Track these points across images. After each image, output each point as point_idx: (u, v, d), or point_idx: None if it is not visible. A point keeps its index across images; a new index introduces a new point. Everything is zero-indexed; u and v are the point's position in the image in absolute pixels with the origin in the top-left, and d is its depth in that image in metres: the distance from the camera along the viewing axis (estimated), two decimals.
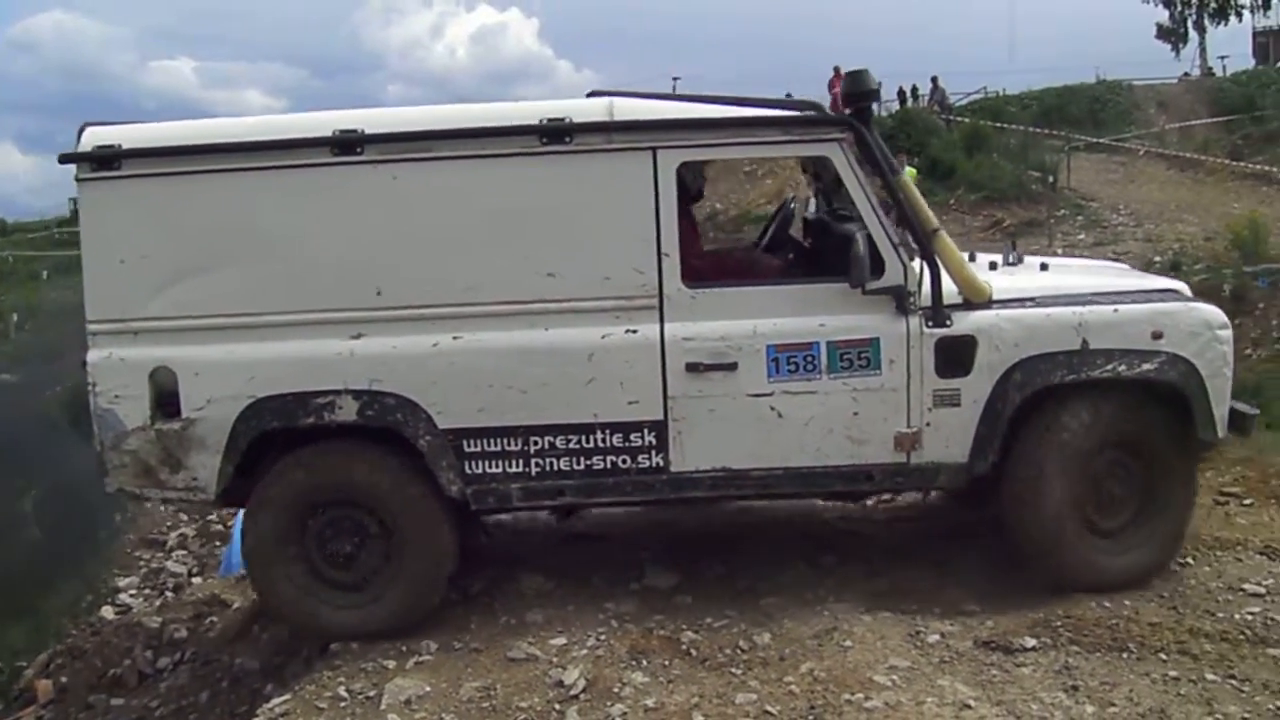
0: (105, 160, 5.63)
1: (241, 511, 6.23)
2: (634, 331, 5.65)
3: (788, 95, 28.69)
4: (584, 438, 5.69)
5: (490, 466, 5.72)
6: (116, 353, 5.66)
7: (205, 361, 5.64)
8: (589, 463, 5.71)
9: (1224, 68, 49.53)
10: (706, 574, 6.08)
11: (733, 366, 5.64)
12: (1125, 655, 4.96)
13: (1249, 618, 5.36)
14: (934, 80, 36.28)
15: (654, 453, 5.71)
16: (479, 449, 5.70)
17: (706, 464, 5.73)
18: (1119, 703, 4.55)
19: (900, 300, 5.66)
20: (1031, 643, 5.03)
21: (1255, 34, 61.14)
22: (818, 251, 6.75)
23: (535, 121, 5.65)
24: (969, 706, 4.53)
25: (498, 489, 5.73)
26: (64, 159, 5.69)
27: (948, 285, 5.66)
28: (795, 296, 5.79)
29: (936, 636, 5.16)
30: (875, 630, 5.24)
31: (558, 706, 4.79)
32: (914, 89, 38.88)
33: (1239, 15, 54.29)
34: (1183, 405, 5.75)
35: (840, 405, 5.69)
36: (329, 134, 5.64)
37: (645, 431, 5.70)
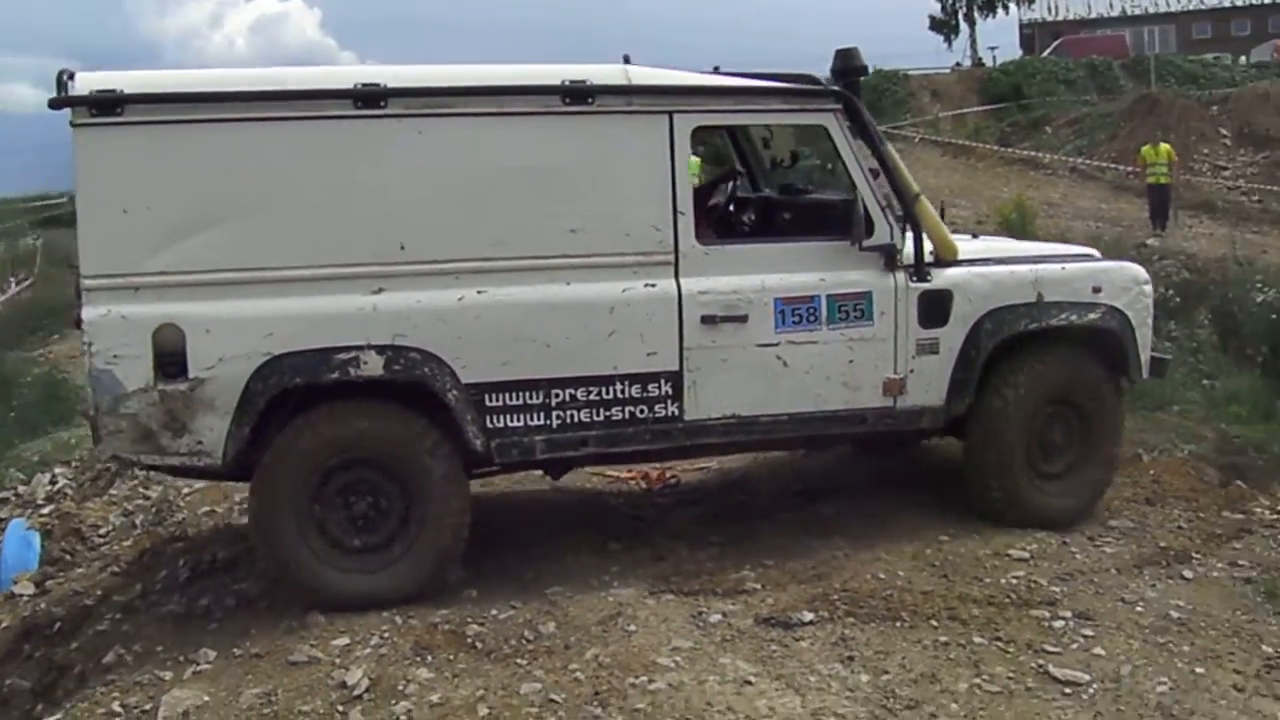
0: (107, 105, 5.29)
1: (14, 522, 5.90)
2: (653, 286, 5.88)
3: None
4: (604, 389, 5.85)
5: (512, 420, 5.76)
6: (116, 310, 5.30)
7: (217, 318, 5.38)
8: (608, 413, 5.87)
9: (994, 58, 51.64)
10: (492, 566, 6.02)
11: (744, 319, 5.98)
12: (899, 624, 5.12)
13: (1014, 582, 5.63)
14: (715, 71, 36.74)
15: (670, 402, 5.94)
16: (501, 403, 5.74)
17: (718, 412, 6.03)
18: (893, 670, 4.71)
19: (889, 257, 6.20)
20: (810, 617, 5.15)
21: (1022, 26, 64.04)
22: (784, 214, 7.20)
23: (558, 83, 5.80)
24: (749, 682, 4.61)
25: (521, 442, 5.78)
26: (59, 102, 5.31)
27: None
28: (798, 253, 6.22)
29: (718, 616, 5.23)
30: (659, 613, 5.29)
31: (340, 708, 4.67)
32: None
33: (1006, 8, 56.66)
34: (1117, 352, 6.64)
35: (838, 354, 6.15)
36: (352, 86, 5.56)
37: (662, 382, 5.92)
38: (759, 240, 6.70)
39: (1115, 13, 74.94)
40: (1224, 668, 4.85)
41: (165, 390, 5.33)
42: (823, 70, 6.41)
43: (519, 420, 5.77)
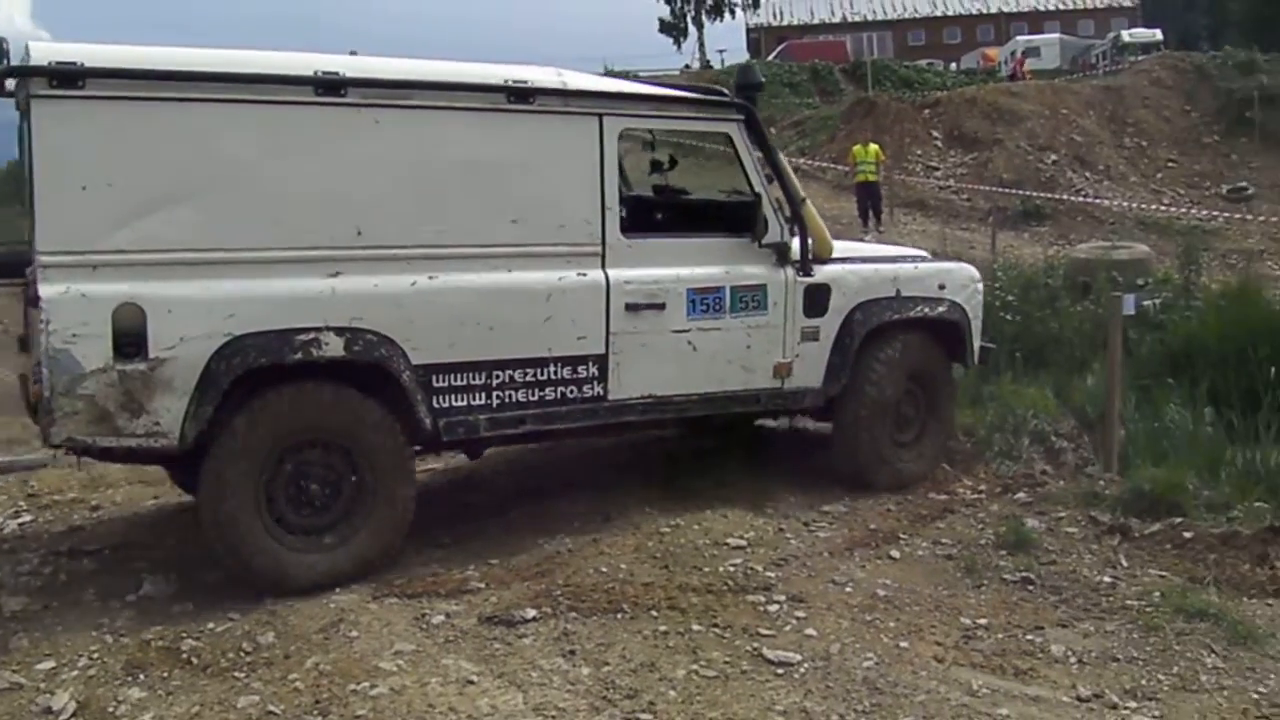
0: (67, 78, 5.16)
1: None
2: (584, 275, 6.34)
3: None
4: (540, 370, 6.25)
5: (456, 400, 6.04)
6: (75, 288, 5.15)
7: (178, 298, 5.34)
8: (543, 394, 6.27)
9: (722, 60, 53.04)
10: (208, 578, 5.83)
11: (661, 306, 6.54)
12: (620, 616, 5.20)
13: (731, 569, 5.78)
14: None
15: (596, 383, 6.41)
16: (446, 384, 5.99)
17: (637, 392, 6.56)
18: (613, 661, 4.77)
19: (781, 254, 6.95)
20: (532, 613, 5.18)
21: (748, 30, 65.89)
22: (689, 212, 7.84)
23: (502, 82, 6.16)
24: (472, 682, 4.60)
25: (466, 420, 6.07)
26: (13, 71, 5.21)
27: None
28: (706, 248, 6.88)
29: (442, 617, 5.21)
30: (382, 618, 5.23)
31: None
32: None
33: (733, 13, 58.22)
34: (957, 340, 7.76)
35: (738, 340, 6.85)
36: (312, 73, 5.67)
37: (590, 364, 6.38)
38: (673, 235, 7.20)
39: (836, 19, 78.08)
40: (926, 640, 5.09)
41: (124, 370, 5.23)
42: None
43: (463, 400, 6.06)
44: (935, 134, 30.05)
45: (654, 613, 5.22)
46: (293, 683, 4.67)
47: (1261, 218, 23.98)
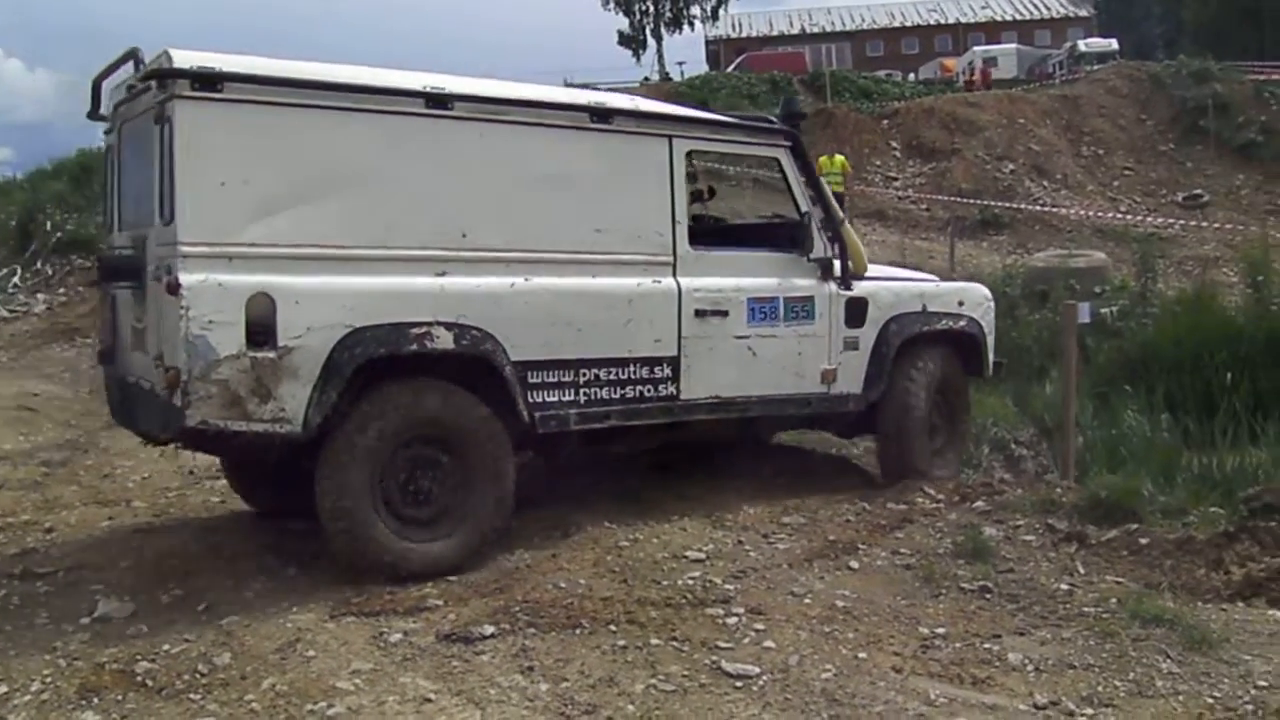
0: (208, 81, 5.58)
1: None
2: (659, 282, 6.91)
3: None
4: (621, 369, 6.76)
5: (549, 396, 6.49)
6: (212, 277, 5.50)
7: (305, 290, 5.71)
8: (624, 391, 6.78)
9: (681, 72, 53.13)
10: (164, 599, 5.78)
11: (725, 313, 7.15)
12: (579, 631, 5.17)
13: (690, 582, 5.78)
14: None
15: (670, 383, 6.96)
16: (540, 380, 6.45)
17: (705, 393, 7.12)
18: (571, 677, 4.73)
19: (826, 269, 7.62)
20: (491, 630, 5.14)
21: (708, 42, 66.13)
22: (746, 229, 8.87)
23: (586, 102, 6.85)
24: (429, 700, 4.56)
25: (558, 414, 6.52)
26: (160, 74, 5.59)
27: None
28: (763, 261, 7.50)
29: (399, 635, 5.16)
30: (339, 637, 5.18)
31: None
32: None
33: (692, 25, 58.32)
34: (974, 353, 8.51)
35: (790, 347, 7.49)
36: (422, 88, 6.18)
37: (664, 365, 6.94)
38: (734, 248, 7.65)
39: (795, 30, 78.51)
40: (884, 650, 5.08)
41: (255, 357, 5.56)
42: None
43: (555, 395, 6.51)
44: (894, 144, 30.25)
45: (613, 627, 5.20)
46: (249, 704, 4.62)
47: (1216, 225, 24.27)
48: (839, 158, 23.26)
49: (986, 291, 8.88)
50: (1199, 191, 27.83)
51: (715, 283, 7.12)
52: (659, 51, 60.85)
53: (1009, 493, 7.57)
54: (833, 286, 7.65)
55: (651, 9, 57.94)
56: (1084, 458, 10.68)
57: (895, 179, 29.81)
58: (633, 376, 6.82)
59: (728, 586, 5.74)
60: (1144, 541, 6.41)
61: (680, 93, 39.86)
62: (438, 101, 6.20)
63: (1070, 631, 5.30)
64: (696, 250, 7.08)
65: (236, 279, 5.55)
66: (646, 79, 50.52)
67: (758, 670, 4.78)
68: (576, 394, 6.59)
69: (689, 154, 7.21)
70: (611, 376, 6.73)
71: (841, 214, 7.77)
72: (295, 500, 6.63)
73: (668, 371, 6.95)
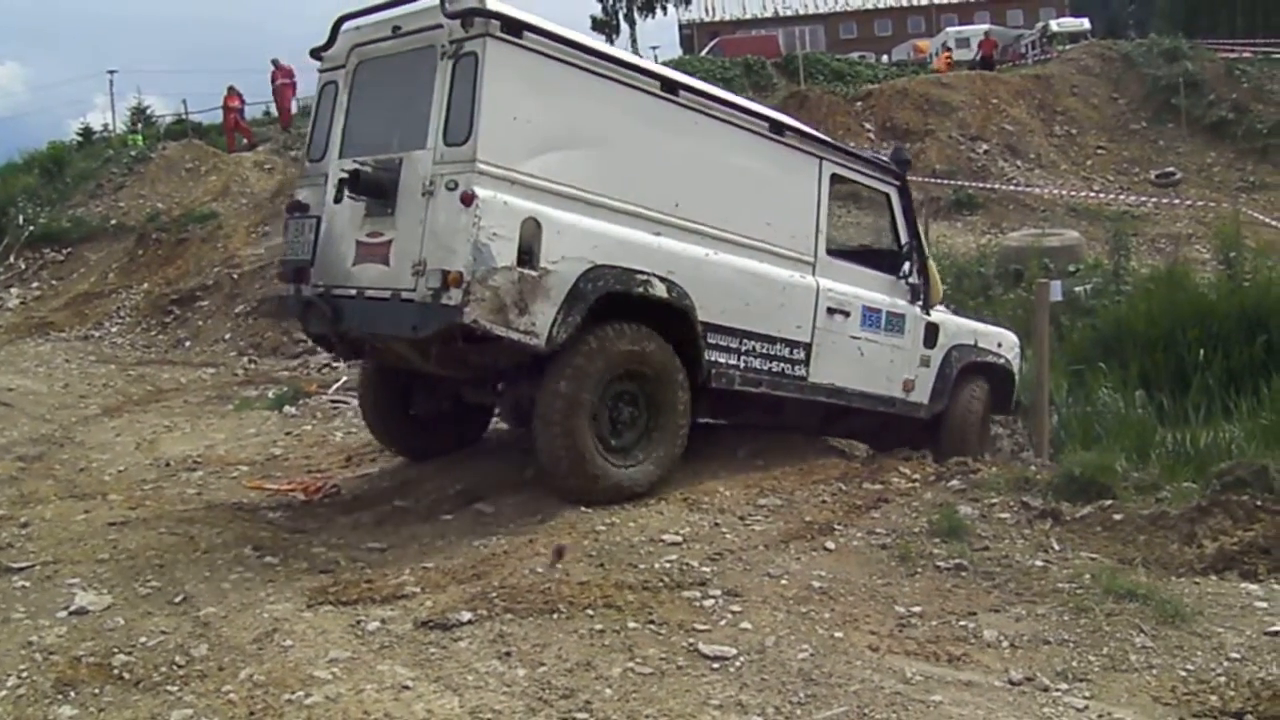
0: (515, 27, 6.47)
1: None
2: (804, 278, 8.15)
3: (230, 86, 27.93)
4: (771, 345, 7.91)
5: (719, 357, 7.54)
6: (500, 195, 6.32)
7: (564, 223, 6.59)
8: (770, 365, 7.92)
9: (655, 57, 52.82)
10: (140, 591, 5.76)
11: (847, 314, 8.46)
12: (556, 616, 5.17)
13: (667, 565, 5.80)
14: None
15: (803, 365, 8.16)
16: (715, 342, 7.49)
17: (826, 379, 8.37)
18: (549, 661, 4.73)
19: (915, 293, 9.10)
20: (468, 616, 5.13)
21: (681, 26, 65.96)
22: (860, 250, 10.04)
23: (767, 114, 8.12)
24: (407, 687, 4.55)
25: (727, 373, 7.60)
26: (474, 12, 6.37)
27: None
28: (872, 278, 8.84)
29: (377, 623, 5.15)
30: (316, 626, 5.17)
31: None
32: None
33: (665, 9, 58.16)
34: (1005, 388, 10.16)
35: (886, 354, 8.85)
36: (658, 73, 7.41)
37: (800, 349, 8.13)
38: (854, 262, 8.85)
39: (768, 14, 78.30)
40: (861, 630, 5.12)
41: (522, 273, 6.38)
42: None
43: (724, 358, 7.57)
44: (868, 126, 30.15)
45: (590, 612, 5.20)
46: (226, 695, 4.60)
47: (1189, 202, 24.32)
48: None
49: (1016, 339, 10.38)
50: (1171, 169, 27.86)
51: (841, 287, 8.39)
52: (632, 36, 60.81)
53: (984, 471, 7.61)
54: (917, 310, 9.09)
55: None
56: (1059, 435, 10.75)
57: None
58: (778, 354, 7.94)
59: (704, 569, 5.76)
60: (1118, 517, 6.44)
61: None
62: (669, 87, 7.28)
63: (1045, 608, 5.34)
64: (829, 257, 8.37)
65: (517, 201, 6.39)
66: None
67: (734, 652, 4.79)
68: (739, 359, 7.66)
69: (832, 175, 8.42)
70: (764, 350, 7.83)
71: (929, 251, 9.20)
72: (429, 443, 8.34)
73: (802, 355, 8.12)
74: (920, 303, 9.10)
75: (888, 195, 9.07)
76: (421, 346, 6.82)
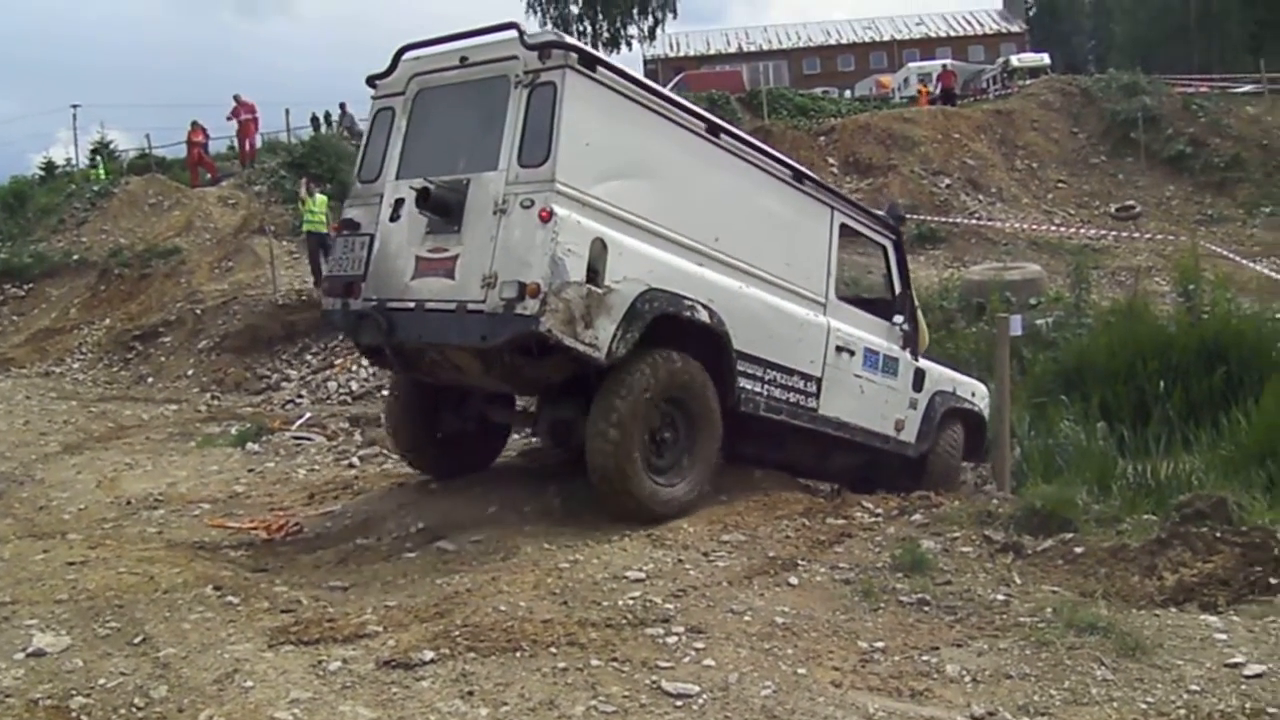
0: (590, 61, 7.02)
1: None
2: (817, 316, 8.74)
3: (194, 121, 27.88)
4: (789, 377, 8.43)
5: (747, 384, 8.04)
6: (573, 215, 6.80)
7: (626, 246, 7.07)
8: (788, 396, 8.45)
9: None
10: (100, 632, 5.68)
11: (852, 353, 9.06)
12: (519, 654, 5.12)
13: (630, 602, 5.77)
14: (342, 106, 36.19)
15: (814, 398, 8.72)
16: (743, 369, 7.97)
17: (833, 412, 8.92)
18: (511, 701, 4.69)
19: (906, 339, 9.74)
20: (430, 655, 5.08)
21: (645, 62, 66.18)
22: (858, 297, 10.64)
23: (789, 163, 8.72)
24: None
25: (753, 399, 8.11)
26: (555, 45, 6.93)
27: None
28: (871, 322, 9.47)
29: (339, 663, 5.09)
30: (278, 666, 5.11)
31: None
32: (326, 115, 38.62)
33: (629, 44, 58.30)
34: (977, 435, 10.74)
35: (882, 394, 9.45)
36: (705, 117, 7.89)
37: (813, 382, 8.69)
38: (856, 307, 9.48)
39: (732, 49, 78.92)
40: (824, 666, 5.10)
41: (590, 288, 6.83)
42: None
43: (750, 385, 8.06)
44: (831, 160, 30.38)
45: (553, 650, 5.16)
46: None
47: (1148, 235, 24.58)
48: (320, 196, 21.81)
49: (986, 390, 10.93)
50: (1131, 203, 28.16)
51: (847, 328, 9.02)
52: None
53: (946, 505, 7.64)
54: (908, 355, 9.73)
55: (589, 29, 57.85)
56: (1020, 468, 10.80)
57: None
58: (794, 385, 8.47)
59: (668, 606, 5.74)
60: (1079, 550, 6.48)
61: None
62: (713, 130, 7.84)
63: (1007, 641, 5.35)
64: (837, 300, 9.01)
65: (587, 222, 6.86)
66: None
67: (697, 689, 4.77)
68: (763, 387, 8.16)
69: (841, 225, 9.06)
70: (783, 381, 8.35)
71: (917, 301, 10.10)
72: (453, 463, 8.67)
73: (814, 389, 8.67)
74: (910, 349, 9.75)
75: (885, 247, 9.75)
76: (485, 356, 7.21)
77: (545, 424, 8.09)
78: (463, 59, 7.46)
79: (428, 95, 7.74)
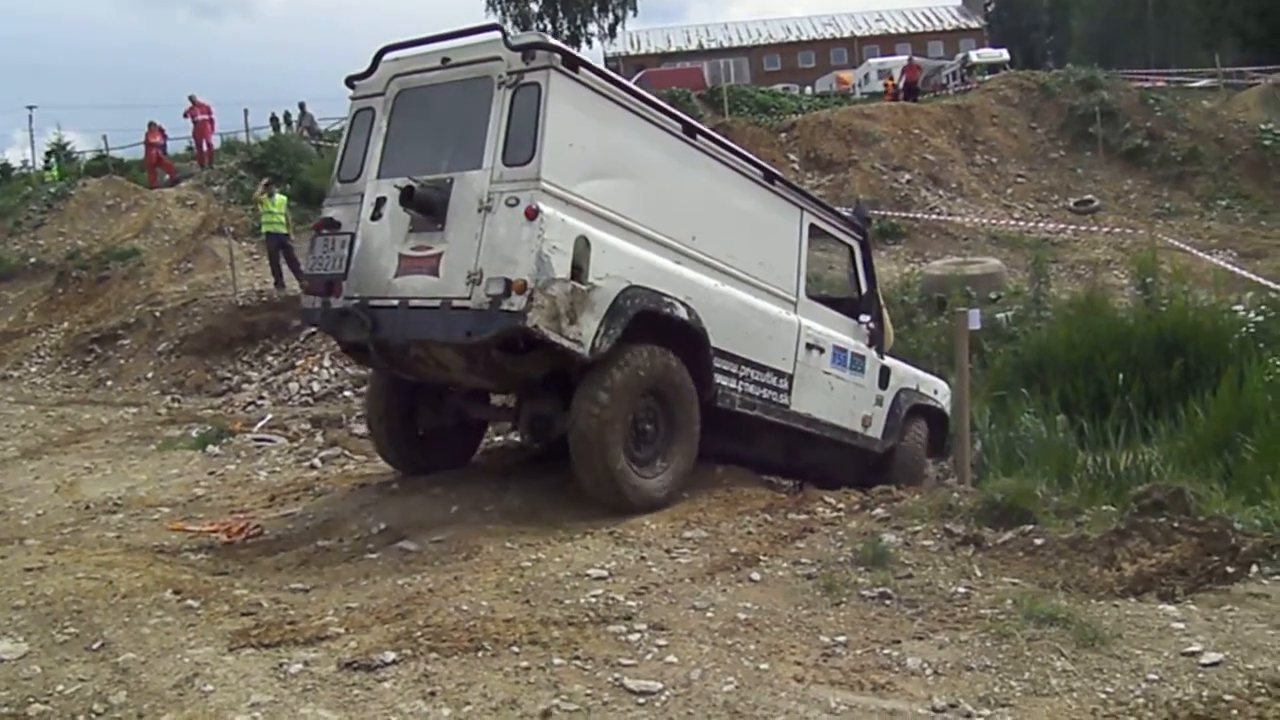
0: (572, 62, 7.12)
1: None
2: (788, 314, 8.94)
3: (151, 122, 27.74)
4: (762, 374, 8.61)
5: (722, 380, 8.19)
6: (558, 213, 6.90)
7: (608, 244, 7.20)
8: (761, 391, 8.63)
9: None
10: (58, 638, 5.62)
11: (822, 350, 9.28)
12: (481, 654, 5.12)
13: (593, 600, 5.77)
14: (301, 106, 36.09)
15: (786, 394, 8.91)
16: (719, 366, 8.12)
17: (804, 409, 9.13)
18: (474, 700, 4.68)
19: (872, 338, 10.00)
20: (392, 656, 5.06)
21: (606, 59, 66.00)
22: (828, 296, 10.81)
23: (761, 164, 8.92)
24: None
25: (729, 395, 8.28)
26: (540, 46, 7.04)
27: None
28: (839, 320, 9.72)
29: (300, 666, 5.06)
30: (238, 670, 5.08)
31: None
32: (285, 115, 38.47)
33: (590, 43, 58.23)
34: (939, 430, 10.99)
35: (850, 391, 9.70)
36: (681, 118, 8.02)
37: (785, 379, 8.88)
38: (825, 305, 9.71)
39: (693, 46, 79.05)
40: (786, 661, 5.12)
41: (574, 285, 6.93)
42: None
43: (726, 381, 8.23)
44: (792, 157, 30.39)
45: (515, 649, 5.16)
46: None
47: (1107, 229, 24.74)
48: (280, 197, 21.38)
49: (948, 388, 11.21)
50: (1089, 197, 28.28)
51: (817, 326, 9.23)
52: None
53: (907, 499, 7.67)
54: (874, 353, 9.99)
55: (549, 27, 57.78)
56: (981, 461, 10.87)
57: None
58: (768, 382, 8.64)
59: (630, 603, 5.74)
60: (1039, 542, 6.52)
61: None
62: (689, 130, 8.01)
63: (968, 634, 5.37)
64: (807, 299, 9.22)
65: (572, 220, 6.97)
66: None
67: (660, 686, 4.77)
68: (738, 383, 8.31)
69: (810, 225, 9.29)
70: (757, 378, 8.51)
71: (882, 300, 10.48)
72: (432, 459, 8.78)
73: (786, 385, 8.85)
74: (876, 347, 10.03)
75: (851, 248, 10.01)
76: (469, 352, 7.31)
77: (525, 419, 8.14)
78: (445, 60, 7.54)
79: (409, 95, 7.82)
